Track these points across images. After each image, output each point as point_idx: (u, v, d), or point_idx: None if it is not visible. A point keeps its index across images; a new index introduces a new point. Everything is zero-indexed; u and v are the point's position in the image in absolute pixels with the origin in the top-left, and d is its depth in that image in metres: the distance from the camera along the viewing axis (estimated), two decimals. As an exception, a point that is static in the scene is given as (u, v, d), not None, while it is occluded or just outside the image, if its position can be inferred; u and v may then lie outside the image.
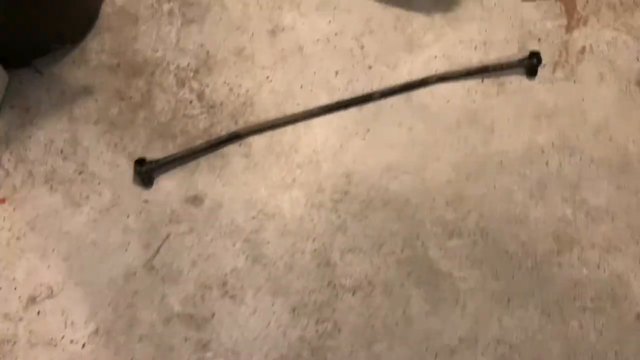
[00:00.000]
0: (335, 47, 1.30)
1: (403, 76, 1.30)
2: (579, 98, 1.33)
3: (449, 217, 1.23)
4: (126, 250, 1.13)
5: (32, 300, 1.09)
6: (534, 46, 1.35)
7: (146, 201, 1.16)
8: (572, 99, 1.33)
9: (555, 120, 1.31)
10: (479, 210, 1.24)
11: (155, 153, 1.18)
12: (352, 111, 1.27)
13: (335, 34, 1.31)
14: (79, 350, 1.07)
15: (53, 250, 1.11)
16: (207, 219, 1.17)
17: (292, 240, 1.18)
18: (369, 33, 1.32)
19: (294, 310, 1.14)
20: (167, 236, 1.15)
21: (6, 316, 1.07)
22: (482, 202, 1.24)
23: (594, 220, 1.26)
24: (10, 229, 1.12)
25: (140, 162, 1.13)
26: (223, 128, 1.22)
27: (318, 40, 1.30)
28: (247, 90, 1.25)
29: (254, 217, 1.18)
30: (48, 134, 1.17)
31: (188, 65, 1.24)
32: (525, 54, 1.33)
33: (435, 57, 1.32)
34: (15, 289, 1.09)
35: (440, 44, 1.33)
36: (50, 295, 1.10)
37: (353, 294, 1.16)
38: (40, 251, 1.11)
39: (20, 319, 1.07)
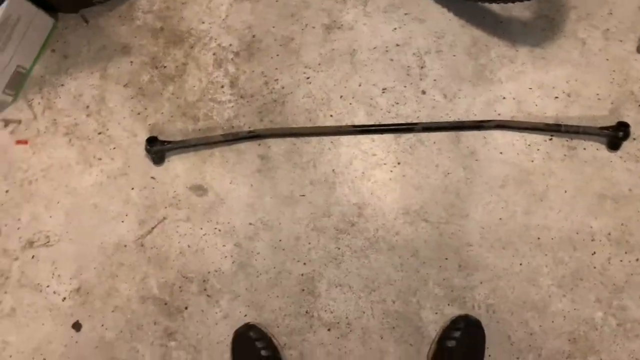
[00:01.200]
0: (392, 60, 1.15)
1: (458, 112, 1.14)
2: (664, 189, 1.10)
3: (456, 283, 1.11)
4: (123, 221, 1.14)
5: (30, 244, 1.15)
6: (631, 112, 1.12)
7: (153, 178, 1.15)
8: (655, 187, 1.11)
9: (624, 207, 1.10)
10: (494, 285, 1.10)
11: (173, 131, 1.15)
12: (388, 138, 1.14)
13: (397, 45, 1.16)
14: (59, 302, 1.13)
15: (58, 202, 1.15)
16: (205, 212, 1.14)
17: (283, 258, 1.13)
18: (435, 52, 1.15)
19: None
20: (164, 219, 1.14)
21: (5, 252, 1.15)
22: (499, 277, 1.10)
23: (627, 334, 1.09)
24: (26, 171, 1.16)
25: (151, 141, 1.11)
26: (247, 122, 1.15)
27: (375, 48, 1.16)
28: (283, 88, 1.15)
29: (251, 224, 1.13)
30: (79, 87, 1.17)
31: (230, 45, 1.17)
32: (615, 120, 1.11)
33: (504, 98, 1.13)
34: (18, 229, 1.15)
35: (515, 83, 1.13)
36: (47, 244, 1.15)
37: (328, 330, 1.11)
38: (47, 200, 1.16)
39: (17, 258, 1.15)
